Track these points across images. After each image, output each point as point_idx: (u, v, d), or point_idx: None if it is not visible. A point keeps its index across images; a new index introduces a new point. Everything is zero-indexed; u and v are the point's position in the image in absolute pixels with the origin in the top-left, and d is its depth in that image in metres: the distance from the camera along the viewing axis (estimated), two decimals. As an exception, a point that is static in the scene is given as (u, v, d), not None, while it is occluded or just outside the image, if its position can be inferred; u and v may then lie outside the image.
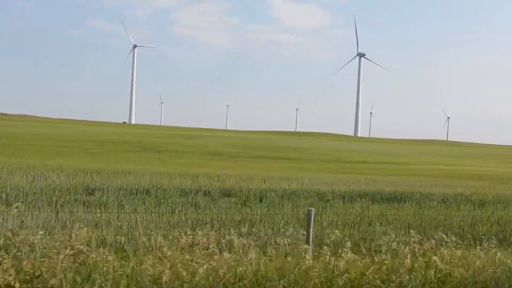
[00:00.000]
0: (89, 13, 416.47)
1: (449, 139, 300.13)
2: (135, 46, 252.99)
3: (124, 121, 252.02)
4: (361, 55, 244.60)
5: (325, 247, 10.34)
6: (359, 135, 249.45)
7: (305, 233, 11.46)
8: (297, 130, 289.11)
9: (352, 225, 16.22)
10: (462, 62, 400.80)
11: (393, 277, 8.62)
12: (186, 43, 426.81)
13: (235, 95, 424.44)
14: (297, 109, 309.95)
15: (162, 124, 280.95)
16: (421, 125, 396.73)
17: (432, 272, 8.80)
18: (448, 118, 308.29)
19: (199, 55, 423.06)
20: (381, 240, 11.82)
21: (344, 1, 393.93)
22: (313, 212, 11.46)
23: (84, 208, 16.72)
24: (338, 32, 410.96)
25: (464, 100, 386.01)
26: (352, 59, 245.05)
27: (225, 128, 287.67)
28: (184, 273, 7.85)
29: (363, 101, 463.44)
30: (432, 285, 8.65)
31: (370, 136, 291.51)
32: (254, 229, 13.82)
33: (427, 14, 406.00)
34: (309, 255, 9.50)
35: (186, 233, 11.63)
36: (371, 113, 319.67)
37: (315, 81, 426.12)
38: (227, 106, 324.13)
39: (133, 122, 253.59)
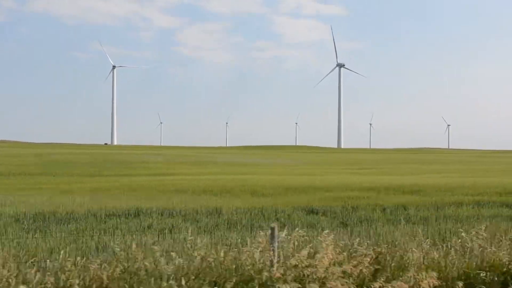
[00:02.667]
0: (93, 37, 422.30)
1: (450, 146, 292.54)
2: (114, 67, 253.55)
3: (106, 142, 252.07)
4: (340, 65, 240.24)
5: None
6: (342, 146, 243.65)
7: None
8: (297, 144, 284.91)
9: None
10: (464, 69, 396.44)
11: None
12: (190, 62, 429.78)
13: (236, 112, 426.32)
14: (296, 123, 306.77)
15: (161, 144, 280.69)
16: (421, 133, 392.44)
17: None
18: (448, 125, 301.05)
19: (203, 74, 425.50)
20: None
21: (345, 13, 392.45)
22: None
23: None
24: (340, 45, 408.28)
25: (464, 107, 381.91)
26: (332, 70, 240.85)
27: (225, 145, 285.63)
28: None
29: (363, 112, 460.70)
30: None
31: (371, 147, 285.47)
32: None
33: (426, 23, 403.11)
34: None
35: None
36: (370, 124, 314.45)
37: (317, 95, 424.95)
38: (226, 123, 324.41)
39: (115, 143, 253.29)
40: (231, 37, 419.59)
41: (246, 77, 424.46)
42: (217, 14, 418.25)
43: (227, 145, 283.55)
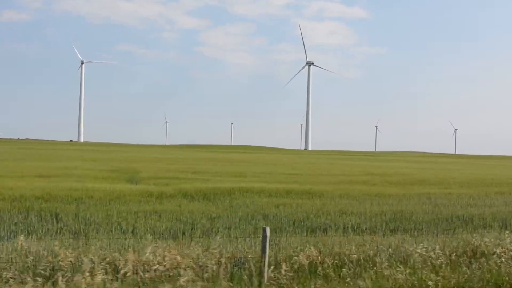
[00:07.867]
0: (117, 38, 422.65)
1: (457, 151, 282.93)
2: (82, 62, 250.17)
3: (71, 139, 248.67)
4: (310, 63, 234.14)
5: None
6: (309, 148, 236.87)
7: None
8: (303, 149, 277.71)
9: None
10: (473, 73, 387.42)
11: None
12: (212, 64, 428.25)
13: (243, 113, 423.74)
14: (301, 124, 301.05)
15: (167, 144, 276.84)
16: (429, 138, 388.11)
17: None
18: (456, 130, 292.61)
19: (225, 76, 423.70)
20: None
21: (368, 18, 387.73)
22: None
23: None
24: (363, 49, 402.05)
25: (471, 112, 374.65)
26: (302, 68, 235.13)
27: (229, 144, 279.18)
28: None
29: (371, 115, 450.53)
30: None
31: (376, 150, 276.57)
32: None
33: (441, 29, 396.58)
34: None
35: None
36: (376, 127, 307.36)
37: (338, 98, 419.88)
38: (232, 123, 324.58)
39: (81, 140, 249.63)
40: (254, 40, 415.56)
41: (266, 78, 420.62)
42: (241, 17, 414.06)
43: (232, 144, 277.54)
